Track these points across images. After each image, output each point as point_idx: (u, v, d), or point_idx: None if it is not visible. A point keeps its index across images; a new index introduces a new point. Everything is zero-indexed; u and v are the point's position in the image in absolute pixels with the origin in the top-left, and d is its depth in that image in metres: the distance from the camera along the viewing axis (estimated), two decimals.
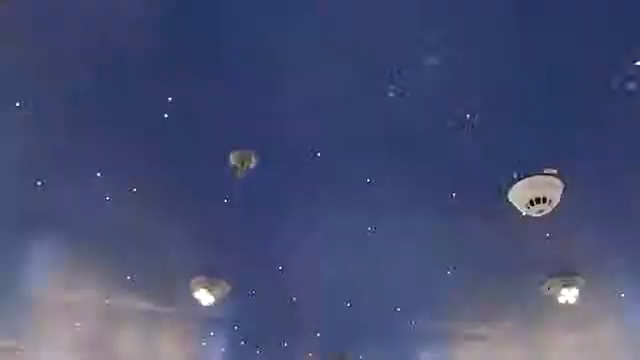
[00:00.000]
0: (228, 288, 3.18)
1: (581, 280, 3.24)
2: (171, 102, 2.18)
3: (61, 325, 3.94)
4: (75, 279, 3.34)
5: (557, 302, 3.28)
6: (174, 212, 2.69)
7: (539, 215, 2.59)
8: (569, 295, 3.26)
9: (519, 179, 2.50)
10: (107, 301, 3.54)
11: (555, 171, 2.46)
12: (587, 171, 2.45)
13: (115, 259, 3.09)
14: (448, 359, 4.21)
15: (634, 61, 1.98)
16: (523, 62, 1.97)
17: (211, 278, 3.11)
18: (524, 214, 2.61)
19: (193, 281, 3.15)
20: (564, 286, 3.26)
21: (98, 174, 2.53)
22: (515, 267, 3.10)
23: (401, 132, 2.22)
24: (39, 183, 2.61)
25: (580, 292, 3.27)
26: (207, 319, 3.65)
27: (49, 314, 3.79)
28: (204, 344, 4.00)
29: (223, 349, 4.11)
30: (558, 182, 2.55)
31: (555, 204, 2.58)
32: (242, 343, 3.92)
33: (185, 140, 2.32)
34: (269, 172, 2.44)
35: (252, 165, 2.39)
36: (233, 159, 2.37)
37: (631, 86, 2.08)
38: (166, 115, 2.22)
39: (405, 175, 2.43)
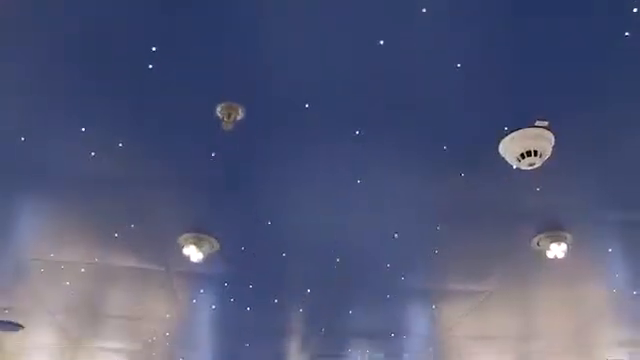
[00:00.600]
0: (217, 245, 3.17)
1: (569, 235, 3.26)
2: (155, 52, 2.10)
3: (50, 284, 3.93)
4: (61, 237, 3.32)
5: (546, 257, 3.29)
6: (160, 167, 2.65)
7: (530, 169, 2.57)
8: (558, 250, 3.28)
9: (510, 131, 2.46)
10: (95, 259, 3.52)
11: (547, 123, 2.43)
12: (579, 124, 2.42)
13: (101, 216, 3.05)
14: (437, 315, 4.26)
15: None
16: (517, 12, 1.91)
17: (199, 234, 3.09)
18: (515, 167, 2.58)
19: (181, 237, 3.13)
20: (553, 241, 3.27)
21: (82, 129, 2.46)
22: (505, 222, 3.09)
23: (391, 83, 2.17)
24: (22, 139, 2.55)
25: (569, 247, 3.29)
26: (196, 277, 3.65)
27: (36, 273, 3.78)
28: (194, 302, 4.02)
29: (214, 307, 4.12)
30: (550, 135, 2.51)
31: (546, 157, 2.55)
32: (232, 300, 3.94)
33: (170, 92, 2.25)
34: (256, 124, 2.39)
35: (239, 117, 2.34)
36: (220, 111, 2.32)
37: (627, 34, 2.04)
38: (150, 66, 2.15)
39: (395, 127, 2.39)
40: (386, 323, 4.37)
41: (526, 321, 4.52)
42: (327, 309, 4.08)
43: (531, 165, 2.56)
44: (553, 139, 2.52)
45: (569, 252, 3.28)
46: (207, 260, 3.22)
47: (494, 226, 3.11)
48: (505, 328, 4.67)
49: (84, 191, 2.84)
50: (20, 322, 4.74)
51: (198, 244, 3.09)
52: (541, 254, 3.33)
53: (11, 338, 5.12)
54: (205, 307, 4.14)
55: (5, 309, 4.45)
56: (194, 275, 3.63)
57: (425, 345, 4.98)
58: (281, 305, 3.97)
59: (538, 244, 3.32)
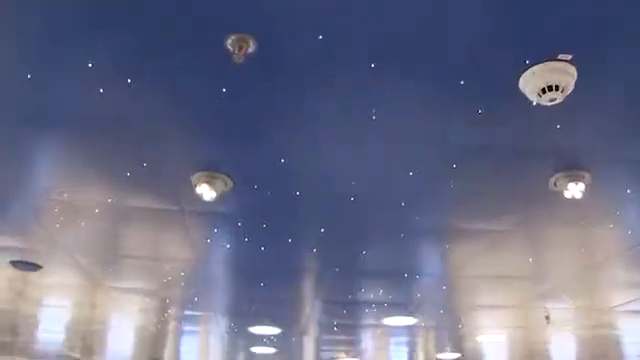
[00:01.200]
0: (230, 183, 3.14)
1: (588, 175, 3.19)
2: None
3: (65, 225, 3.96)
4: (72, 177, 3.31)
5: (562, 198, 3.24)
6: (170, 104, 2.59)
7: (550, 104, 2.48)
8: (575, 190, 3.22)
9: (531, 65, 2.36)
10: (109, 199, 3.53)
11: (570, 57, 2.32)
12: (603, 59, 2.31)
13: (112, 155, 3.02)
14: (450, 254, 4.26)
15: None
16: None
17: (212, 172, 3.07)
18: (534, 104, 2.49)
19: (194, 176, 3.11)
20: (571, 181, 3.21)
21: (89, 64, 2.40)
22: (522, 161, 3.03)
23: (408, 15, 2.07)
24: (29, 76, 2.49)
25: (586, 187, 3.23)
26: (210, 216, 3.65)
27: (51, 214, 3.80)
28: (208, 241, 4.04)
29: (228, 246, 4.15)
30: (572, 69, 2.41)
31: (568, 92, 2.46)
32: (246, 240, 3.95)
33: (180, 24, 2.17)
34: (268, 57, 2.31)
35: (250, 50, 2.26)
36: (230, 44, 2.24)
37: None
38: None
39: (411, 60, 2.30)
40: (399, 263, 4.39)
41: (538, 262, 4.52)
42: (341, 249, 4.09)
43: (552, 100, 2.47)
44: (576, 74, 2.42)
45: (586, 192, 3.21)
46: (220, 199, 3.20)
47: (511, 165, 3.05)
48: (517, 268, 4.68)
49: (94, 130, 2.81)
50: (39, 262, 4.82)
51: (211, 182, 3.07)
52: (558, 194, 3.27)
53: (30, 278, 5.22)
54: (219, 247, 4.17)
55: (24, 250, 4.53)
56: (208, 214, 3.63)
57: (438, 285, 5.01)
58: (295, 245, 3.98)
59: (555, 184, 3.26)
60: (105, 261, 4.77)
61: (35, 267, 4.88)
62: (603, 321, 6.67)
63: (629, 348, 8.58)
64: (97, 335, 8.51)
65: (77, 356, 10.31)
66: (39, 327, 8.06)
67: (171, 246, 4.23)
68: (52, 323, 7.73)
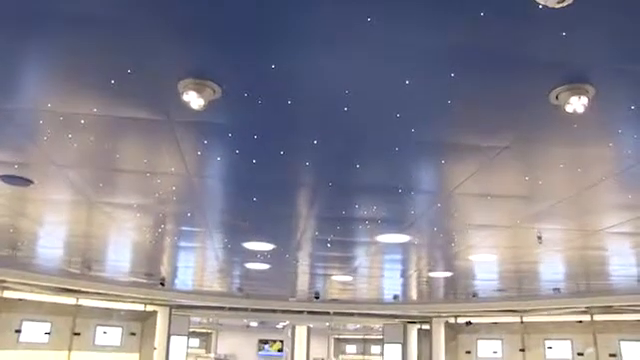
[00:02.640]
0: (219, 90, 3.01)
1: (592, 89, 3.06)
2: None
3: (52, 138, 3.85)
4: (56, 86, 3.17)
5: (562, 113, 3.12)
6: (155, 5, 2.41)
7: (559, 6, 2.31)
8: (578, 104, 3.10)
9: None
10: (94, 109, 3.40)
11: None
12: None
13: (95, 61, 2.86)
14: (445, 171, 4.20)
15: None
16: None
17: (200, 79, 2.92)
18: (540, 7, 2.33)
19: (181, 83, 2.97)
20: (573, 94, 3.09)
21: None
22: (524, 72, 2.88)
23: None
24: None
25: (589, 102, 3.11)
26: (199, 127, 3.54)
27: (36, 126, 3.69)
28: (199, 154, 3.95)
29: (219, 159, 4.07)
30: None
31: None
32: (237, 152, 3.86)
33: None
34: None
35: None
36: None
37: None
38: None
39: None
40: (394, 178, 4.33)
41: (534, 181, 4.46)
42: (334, 162, 4.02)
43: (561, 2, 2.30)
44: None
45: (589, 107, 3.09)
46: (209, 108, 3.07)
47: (512, 75, 2.91)
48: (513, 187, 4.64)
49: (75, 33, 2.64)
50: (29, 177, 4.75)
51: (198, 90, 2.93)
52: (559, 109, 3.14)
53: (22, 194, 5.18)
54: (210, 160, 4.09)
55: (14, 164, 4.45)
56: (197, 125, 3.52)
57: (432, 202, 4.99)
58: (287, 157, 3.89)
59: (557, 97, 3.13)
60: (96, 175, 4.71)
61: (26, 182, 4.83)
62: (593, 243, 6.75)
63: (616, 269, 8.77)
64: (94, 251, 8.63)
65: (76, 271, 10.52)
66: (38, 243, 8.15)
67: (162, 159, 4.15)
68: (50, 239, 7.81)
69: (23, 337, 11.73)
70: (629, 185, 4.47)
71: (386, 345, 20.29)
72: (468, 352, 15.07)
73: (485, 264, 8.07)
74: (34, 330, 12.01)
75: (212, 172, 4.45)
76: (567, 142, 3.69)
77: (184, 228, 6.43)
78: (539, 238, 6.10)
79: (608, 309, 12.46)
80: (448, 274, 9.09)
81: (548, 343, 14.07)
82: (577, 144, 3.73)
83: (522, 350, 14.39)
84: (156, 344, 14.31)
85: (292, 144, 3.70)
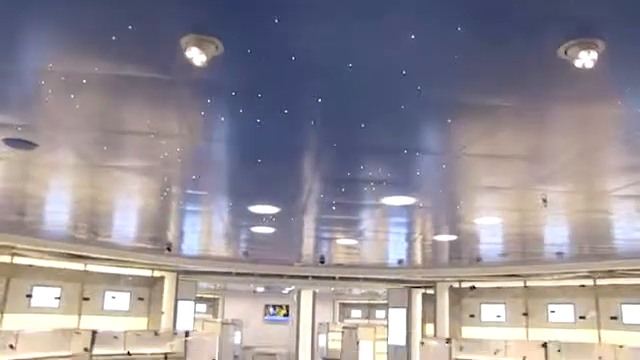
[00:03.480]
0: (221, 46, 2.96)
1: (602, 43, 3.00)
2: None
3: (54, 99, 3.82)
4: (56, 44, 3.13)
5: (572, 69, 3.06)
6: None
7: None
8: (587, 59, 3.04)
9: None
10: (95, 68, 3.37)
11: None
12: None
13: (96, 17, 2.81)
14: (452, 131, 4.16)
15: None
16: None
17: (202, 35, 2.88)
18: None
19: (183, 39, 2.92)
20: (583, 49, 3.03)
21: None
22: (533, 26, 2.82)
23: None
24: None
25: (599, 57, 3.05)
26: (202, 85, 3.50)
27: (37, 86, 3.65)
28: (202, 114, 3.92)
29: (222, 119, 4.04)
30: None
31: None
32: (241, 111, 3.83)
33: None
34: None
35: None
36: None
37: None
38: None
39: None
40: (399, 138, 4.29)
41: (541, 142, 4.43)
42: (339, 122, 3.98)
43: None
44: None
45: (598, 63, 3.03)
46: (212, 66, 3.03)
47: (521, 29, 2.85)
48: (519, 148, 4.60)
49: None
50: (33, 140, 4.74)
51: (201, 45, 2.89)
52: (567, 65, 3.08)
53: (27, 157, 5.17)
54: (214, 120, 4.06)
55: (17, 127, 4.43)
56: (200, 84, 3.48)
57: (437, 163, 4.96)
58: (291, 117, 3.85)
59: (566, 52, 3.07)
60: (100, 137, 4.69)
61: (30, 145, 4.81)
62: (598, 206, 6.74)
63: (620, 232, 8.77)
64: (100, 216, 8.68)
65: (83, 237, 10.62)
66: (44, 208, 8.21)
67: (165, 120, 4.12)
68: (56, 204, 7.86)
69: (34, 302, 11.94)
70: (637, 146, 4.42)
71: (390, 309, 20.52)
72: (472, 316, 15.24)
73: (490, 227, 8.09)
74: (44, 295, 12.20)
75: (216, 133, 4.43)
76: (575, 100, 3.64)
77: (189, 192, 6.44)
78: (544, 201, 6.08)
79: (610, 273, 12.55)
80: (453, 238, 9.12)
81: (551, 307, 14.20)
82: (585, 102, 3.67)
83: (525, 314, 14.54)
84: (164, 309, 14.53)
85: (296, 103, 3.66)
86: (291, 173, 5.36)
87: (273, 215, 7.24)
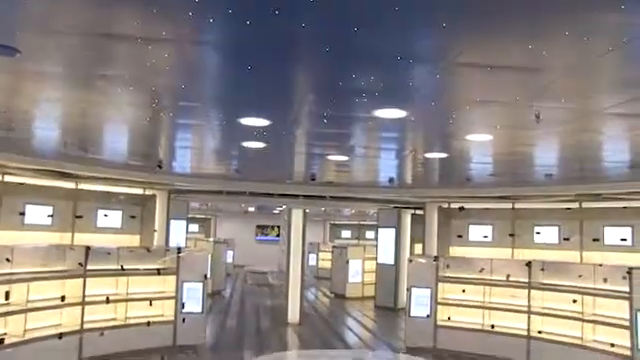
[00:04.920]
0: None
1: None
2: None
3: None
4: None
5: None
6: None
7: None
8: None
9: None
10: None
11: None
12: None
13: None
14: (447, 36, 4.04)
15: None
16: None
17: None
18: None
19: None
20: None
21: None
22: None
23: None
24: None
25: None
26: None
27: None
28: (190, 14, 3.76)
29: (212, 20, 3.89)
30: None
31: None
32: (230, 12, 3.67)
33: None
34: None
35: None
36: None
37: None
38: None
39: None
40: (392, 43, 4.17)
41: (538, 51, 4.30)
42: (332, 24, 3.84)
43: None
44: None
45: None
46: None
47: None
48: (515, 58, 4.50)
49: None
50: (15, 46, 4.57)
51: None
52: None
53: (10, 66, 5.01)
54: (202, 21, 3.90)
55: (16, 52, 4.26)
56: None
57: (431, 72, 4.87)
58: (282, 18, 3.70)
59: None
60: (85, 42, 4.53)
61: (12, 51, 4.65)
62: (590, 124, 6.74)
63: (609, 154, 8.85)
64: (89, 131, 8.59)
65: (73, 154, 10.56)
66: (32, 124, 8.10)
67: (152, 21, 3.96)
68: (44, 119, 7.75)
69: (27, 219, 12.07)
70: (636, 57, 4.34)
71: (380, 229, 20.99)
72: (460, 236, 15.60)
73: (481, 145, 8.10)
74: (37, 213, 12.32)
75: (204, 36, 4.28)
76: (575, 6, 3.51)
77: (178, 103, 6.34)
78: (537, 117, 6.06)
79: (596, 197, 12.80)
80: (443, 155, 9.15)
81: (537, 229, 14.55)
82: (585, 9, 3.55)
83: (512, 235, 14.90)
84: (156, 227, 14.74)
85: (287, 3, 3.51)
86: (282, 81, 5.25)
87: (264, 128, 7.18)
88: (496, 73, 4.82)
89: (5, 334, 9.78)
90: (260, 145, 8.42)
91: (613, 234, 12.98)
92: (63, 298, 10.91)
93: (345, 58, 4.50)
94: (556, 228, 14.23)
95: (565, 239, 13.93)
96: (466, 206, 15.43)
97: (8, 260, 9.84)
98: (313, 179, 12.36)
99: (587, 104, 5.87)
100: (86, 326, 11.28)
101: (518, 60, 4.55)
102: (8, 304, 9.89)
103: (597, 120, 6.49)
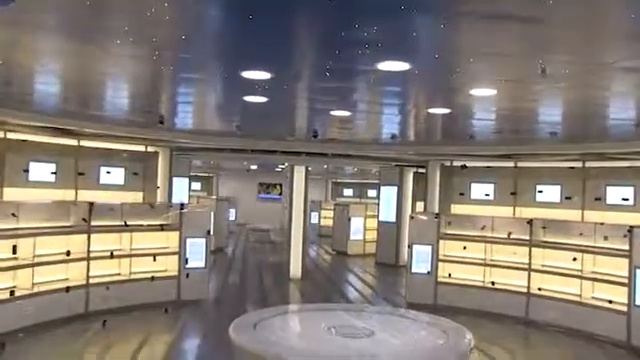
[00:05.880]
0: None
1: None
2: None
3: None
4: None
5: None
6: None
7: None
8: None
9: None
10: None
11: None
12: None
13: None
14: None
15: None
16: None
17: None
18: None
19: None
20: None
21: None
22: None
23: None
24: None
25: None
26: None
27: None
28: None
29: None
30: None
31: None
32: None
33: None
34: None
35: None
36: None
37: None
38: None
39: None
40: None
41: (542, 0, 4.21)
42: None
43: None
44: None
45: None
46: None
47: None
48: (522, 6, 4.39)
49: None
50: None
51: None
52: None
53: (4, 18, 4.91)
54: None
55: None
56: None
57: (435, 22, 4.76)
58: None
59: None
60: (87, 10, 4.44)
61: (7, 0, 4.55)
62: (597, 80, 6.64)
63: (615, 111, 8.77)
64: (89, 86, 8.52)
65: (75, 110, 10.53)
66: (31, 78, 8.03)
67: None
68: (43, 74, 7.67)
69: (31, 176, 12.16)
70: None
71: (382, 187, 21.06)
72: (461, 194, 15.64)
73: (485, 101, 8.01)
74: (41, 170, 12.39)
75: None
76: None
77: (179, 55, 6.25)
78: (543, 71, 5.96)
79: (600, 156, 12.77)
80: (447, 111, 9.07)
81: (539, 187, 14.58)
82: None
83: (513, 193, 14.93)
84: (159, 184, 14.81)
85: None
86: (284, 32, 5.15)
87: (265, 82, 7.09)
88: (502, 23, 4.72)
89: (15, 287, 9.96)
90: (262, 99, 8.35)
91: (615, 193, 13.00)
92: (68, 253, 11.05)
93: (347, 8, 4.40)
94: (558, 187, 14.25)
95: (567, 198, 13.97)
96: (468, 164, 15.42)
97: (14, 215, 9.93)
98: (315, 136, 12.31)
99: (594, 57, 5.76)
100: (92, 281, 11.47)
101: (525, 10, 4.44)
102: (16, 258, 10.04)
103: (604, 75, 6.39)
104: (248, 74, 6.67)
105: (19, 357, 8.90)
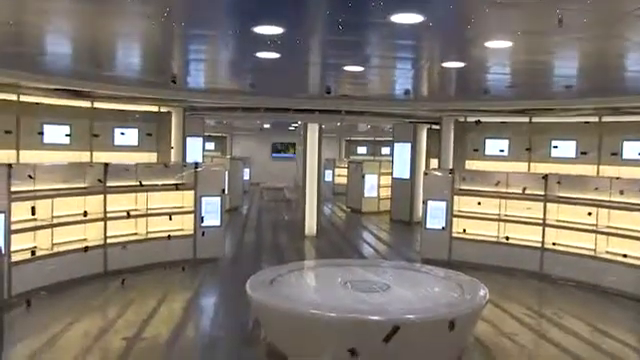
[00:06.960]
0: None
1: None
2: None
3: None
4: None
5: None
6: None
7: None
8: None
9: None
10: None
11: None
12: None
13: None
14: None
15: None
16: None
17: None
18: None
19: None
20: None
21: None
22: None
23: None
24: None
25: None
26: None
27: None
28: None
29: None
30: None
31: None
32: None
33: None
34: None
35: None
36: None
37: None
38: None
39: None
40: None
41: None
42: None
43: None
44: None
45: None
46: None
47: None
48: None
49: None
50: None
51: None
52: None
53: None
54: None
55: None
56: None
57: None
58: None
59: None
60: None
61: None
62: (615, 30, 6.48)
63: (633, 63, 8.58)
64: (101, 44, 8.48)
65: (87, 71, 10.52)
66: (43, 38, 8.01)
67: None
68: (54, 33, 7.63)
69: (46, 139, 12.29)
70: None
71: (396, 144, 20.96)
72: (476, 150, 15.56)
73: (500, 54, 7.87)
74: (55, 132, 12.50)
75: None
76: None
77: (190, 11, 6.19)
78: (560, 21, 5.81)
79: (616, 111, 12.59)
80: (461, 65, 8.94)
81: (554, 143, 14.44)
82: None
83: (528, 149, 14.83)
84: (173, 144, 14.88)
85: None
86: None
87: (278, 37, 7.01)
88: None
89: (35, 247, 10.18)
90: (274, 55, 8.27)
91: (632, 148, 12.84)
92: (85, 214, 11.22)
93: None
94: (574, 142, 14.12)
95: (582, 153, 13.84)
96: (483, 120, 15.27)
97: (31, 177, 10.06)
98: (328, 92, 12.20)
99: (613, 4, 5.60)
100: (109, 241, 11.66)
101: None
102: (35, 219, 10.22)
103: (624, 23, 6.22)
104: (260, 29, 6.59)
105: (44, 312, 9.17)
